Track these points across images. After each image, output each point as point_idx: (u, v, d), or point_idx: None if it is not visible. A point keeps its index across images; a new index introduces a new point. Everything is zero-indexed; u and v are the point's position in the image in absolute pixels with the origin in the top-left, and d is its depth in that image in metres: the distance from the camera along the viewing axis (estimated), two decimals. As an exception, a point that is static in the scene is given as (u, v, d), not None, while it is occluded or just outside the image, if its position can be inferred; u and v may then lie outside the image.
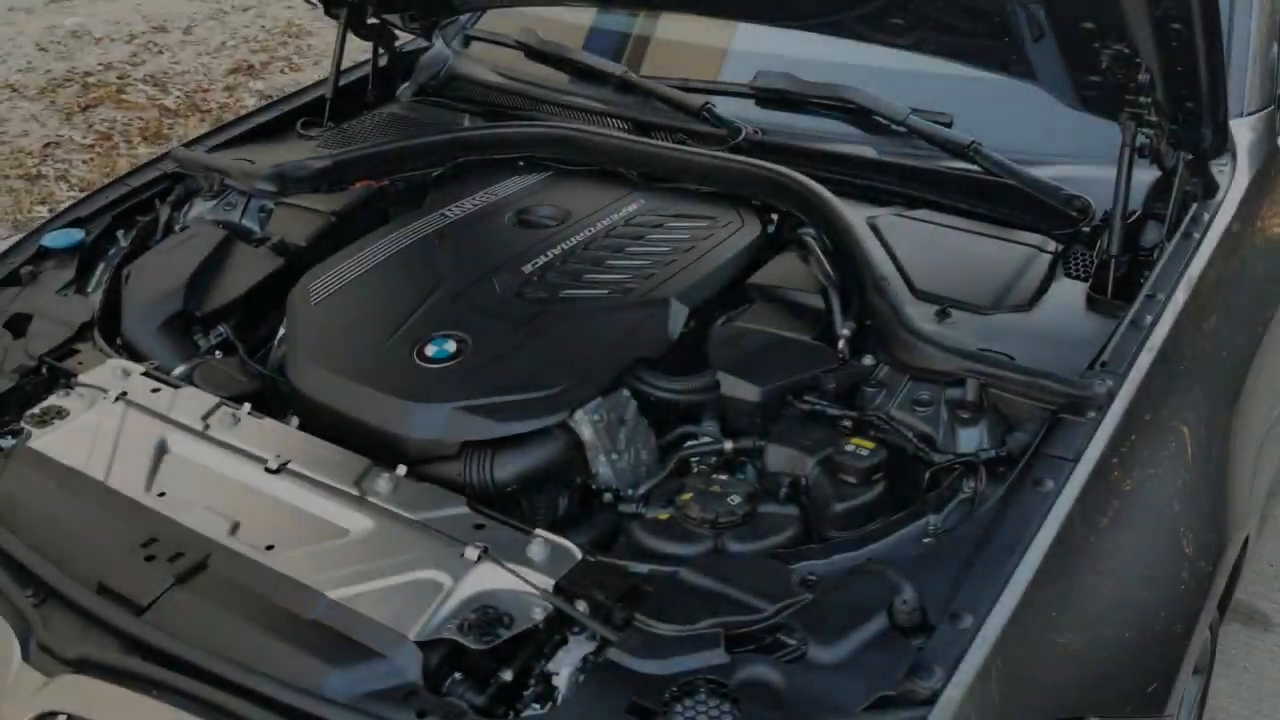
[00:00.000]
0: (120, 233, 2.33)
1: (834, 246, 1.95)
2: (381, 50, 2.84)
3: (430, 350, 1.78)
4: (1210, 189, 1.97)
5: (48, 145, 5.59)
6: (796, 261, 2.01)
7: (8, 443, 1.83)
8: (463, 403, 1.67)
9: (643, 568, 1.46)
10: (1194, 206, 1.93)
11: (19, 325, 2.06)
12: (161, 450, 1.73)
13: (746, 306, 1.94)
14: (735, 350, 1.79)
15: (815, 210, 2.05)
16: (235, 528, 1.57)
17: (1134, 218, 1.94)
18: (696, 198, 2.21)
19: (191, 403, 1.81)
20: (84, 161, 5.43)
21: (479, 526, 1.53)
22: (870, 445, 1.59)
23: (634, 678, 1.30)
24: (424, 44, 2.93)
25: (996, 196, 2.10)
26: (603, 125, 2.51)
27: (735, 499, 1.54)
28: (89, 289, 2.17)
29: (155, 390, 1.85)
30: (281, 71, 6.74)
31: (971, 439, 1.60)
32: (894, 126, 2.27)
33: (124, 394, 1.83)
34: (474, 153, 2.43)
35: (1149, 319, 1.72)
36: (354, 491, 1.60)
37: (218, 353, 2.05)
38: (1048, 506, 1.43)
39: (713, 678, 1.28)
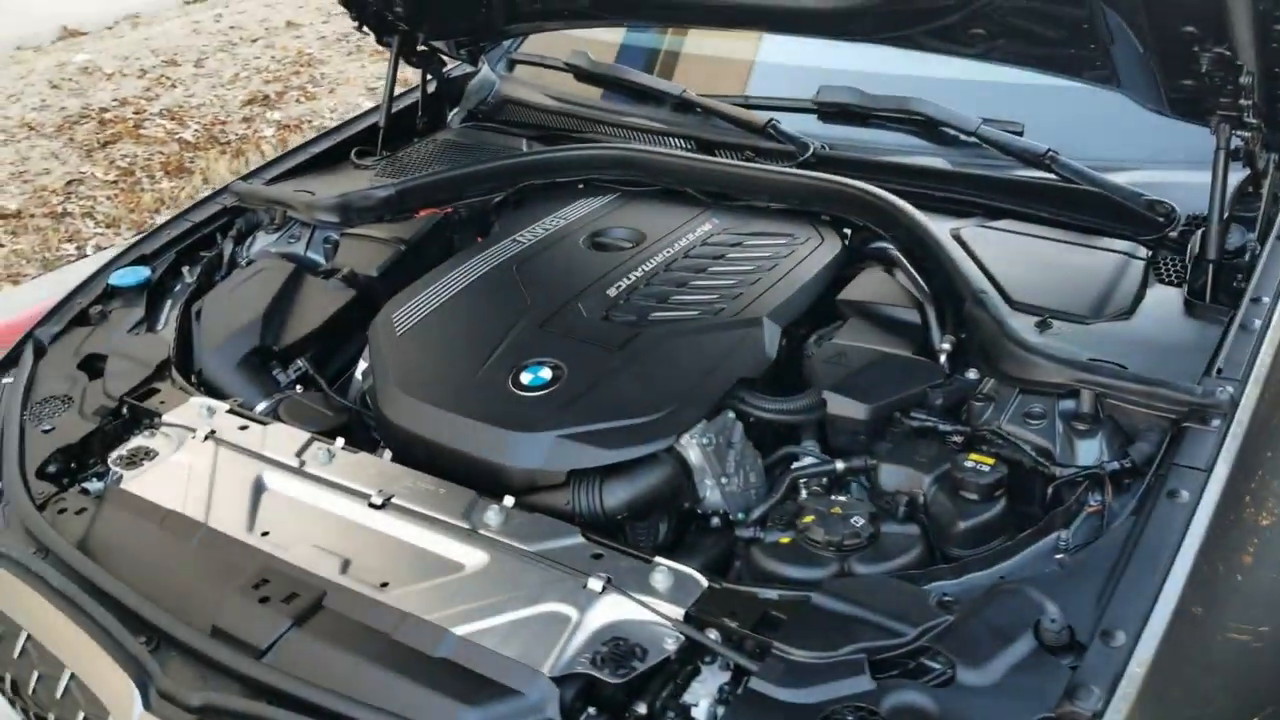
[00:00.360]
0: (185, 269, 2.31)
1: (922, 260, 1.93)
2: (430, 77, 2.82)
3: (526, 378, 1.76)
4: None
5: (70, 183, 5.59)
6: (883, 276, 1.99)
7: (95, 486, 1.80)
8: (566, 430, 1.65)
9: (771, 593, 1.43)
10: None
11: (94, 365, 2.04)
12: (259, 488, 1.71)
13: (838, 324, 1.91)
14: (839, 368, 1.77)
15: (898, 224, 2.02)
16: (346, 565, 1.54)
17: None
18: (771, 215, 2.19)
19: (283, 439, 1.78)
20: (108, 198, 5.43)
21: (597, 556, 1.50)
22: (990, 461, 1.56)
23: (779, 707, 1.27)
24: (469, 69, 2.92)
25: (1076, 204, 2.08)
26: (663, 144, 2.49)
27: (859, 520, 1.51)
28: (159, 327, 2.15)
29: (243, 427, 1.82)
30: (297, 101, 6.74)
31: (1090, 451, 1.57)
32: (965, 137, 2.25)
33: (212, 432, 1.80)
34: (538, 176, 2.41)
35: (1257, 322, 1.69)
36: (464, 525, 1.58)
37: (298, 387, 2.03)
38: (1188, 517, 1.40)
39: (861, 705, 1.25)
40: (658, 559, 1.48)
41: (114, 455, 1.80)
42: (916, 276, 1.91)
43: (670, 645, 1.37)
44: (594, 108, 2.65)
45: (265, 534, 1.62)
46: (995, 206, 2.11)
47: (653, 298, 1.94)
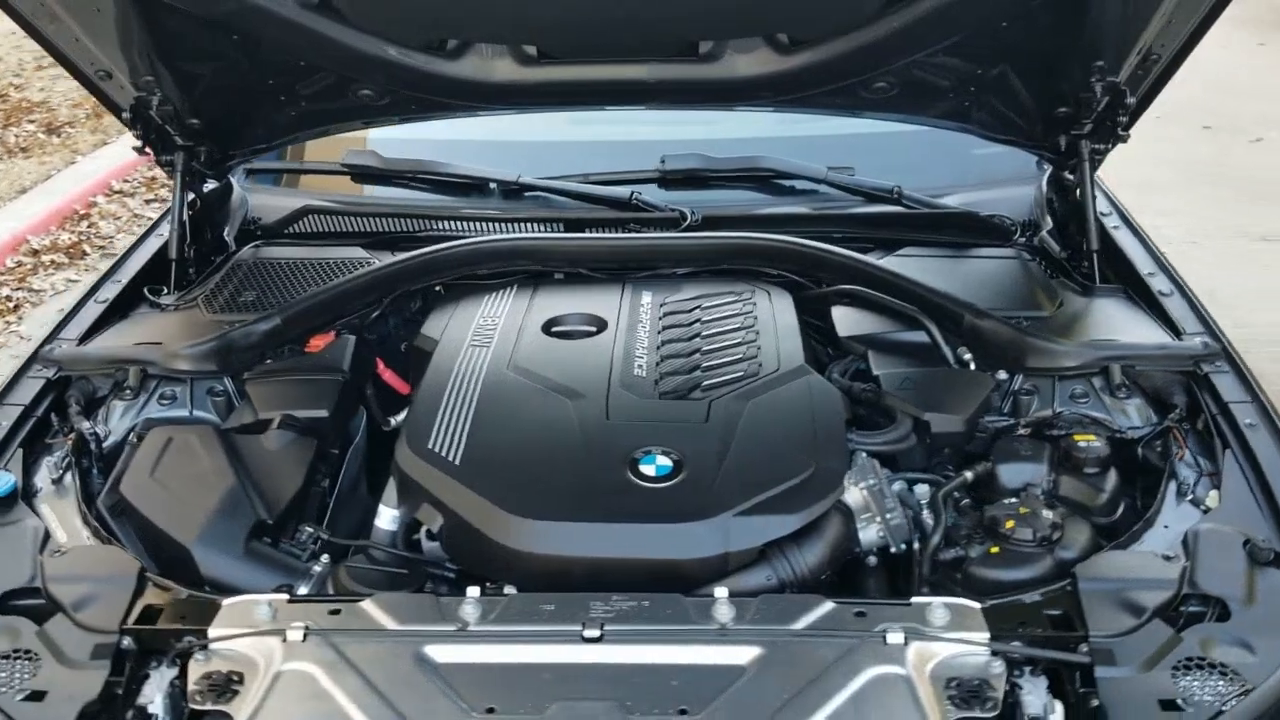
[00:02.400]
0: (48, 461, 1.80)
1: (888, 290, 2.10)
2: (193, 195, 2.45)
3: (647, 469, 1.65)
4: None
5: None
6: (856, 311, 2.13)
7: None
8: (740, 508, 1.58)
9: (1033, 595, 1.51)
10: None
11: (23, 605, 1.54)
12: (429, 666, 1.42)
13: (850, 359, 2.02)
14: (912, 393, 1.87)
15: (826, 266, 2.19)
16: (625, 708, 1.35)
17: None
18: (693, 280, 2.23)
19: (405, 607, 1.50)
20: None
21: (860, 614, 1.47)
22: (1092, 437, 1.77)
23: (1128, 683, 1.37)
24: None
25: (938, 227, 2.39)
26: (522, 230, 2.41)
27: (1047, 514, 1.64)
28: (58, 544, 1.65)
29: (334, 611, 1.50)
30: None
31: (1137, 413, 1.86)
32: (815, 185, 2.47)
33: (308, 627, 1.46)
34: (422, 279, 2.22)
35: (1168, 288, 2.10)
36: (708, 627, 1.45)
37: (323, 558, 1.70)
38: (1275, 438, 1.71)
39: (1200, 657, 1.39)
40: (916, 599, 1.49)
41: (192, 692, 1.39)
42: (894, 304, 2.07)
43: (998, 669, 1.40)
44: (422, 206, 2.49)
45: (490, 710, 1.36)
46: (890, 239, 2.34)
47: (681, 371, 1.90)
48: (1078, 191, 2.34)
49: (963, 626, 1.45)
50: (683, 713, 1.35)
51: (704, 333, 2.02)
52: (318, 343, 2.08)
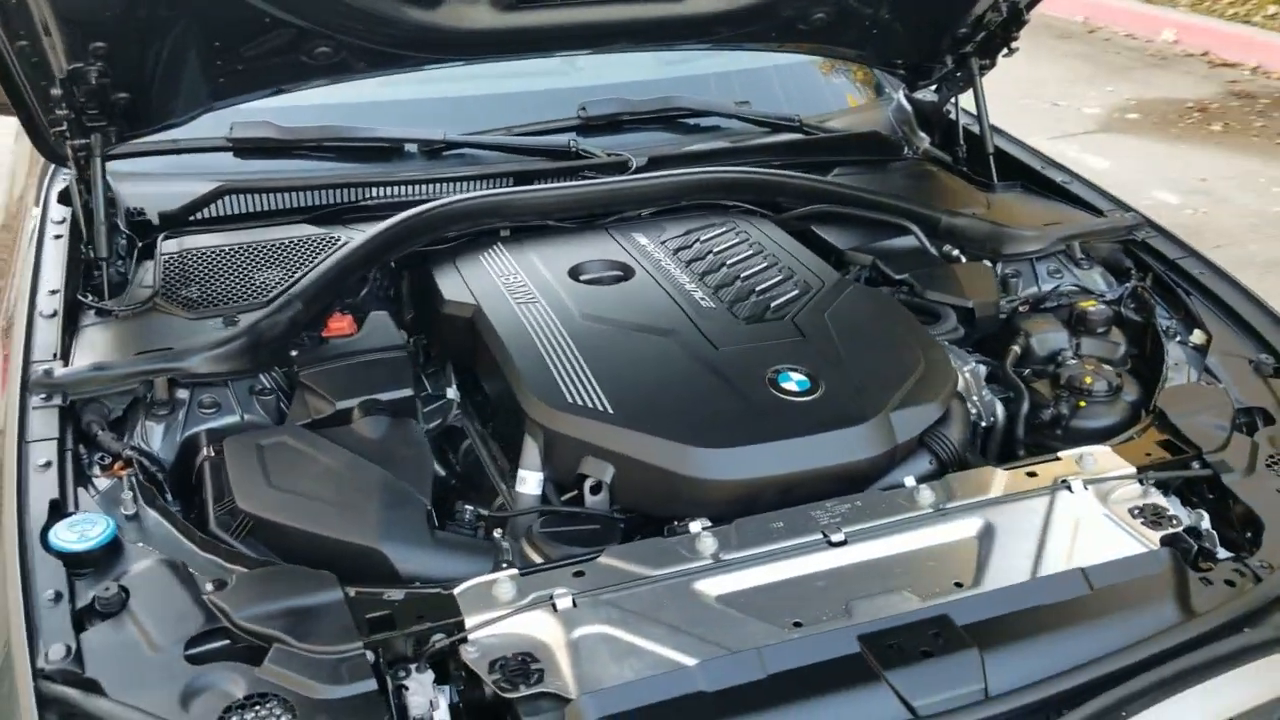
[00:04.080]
0: (107, 497, 1.54)
1: (858, 206, 2.28)
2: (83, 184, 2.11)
3: (789, 385, 1.71)
4: None
5: None
6: (834, 228, 2.28)
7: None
8: (892, 407, 1.69)
9: (1131, 434, 1.77)
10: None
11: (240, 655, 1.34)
12: (703, 602, 1.43)
13: (859, 269, 2.18)
14: (940, 288, 2.07)
15: (789, 190, 2.33)
16: (905, 593, 1.44)
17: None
18: (663, 218, 2.28)
19: (645, 554, 1.48)
20: None
21: (1032, 474, 1.65)
22: (1093, 302, 2.08)
23: None
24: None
25: (844, 149, 2.60)
26: (474, 187, 2.33)
27: (1107, 369, 1.92)
28: (214, 578, 1.42)
29: (579, 574, 1.45)
30: None
31: (1100, 279, 2.18)
32: (723, 121, 2.59)
33: (574, 593, 1.41)
34: (412, 243, 2.09)
35: (1068, 178, 2.45)
36: (927, 511, 1.57)
37: (496, 532, 1.61)
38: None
39: None
40: (1063, 453, 1.70)
41: (495, 680, 1.30)
42: (877, 216, 2.25)
43: (1157, 493, 1.64)
44: (349, 175, 2.31)
45: (797, 624, 1.40)
46: (817, 162, 2.51)
47: (743, 297, 1.95)
48: (947, 108, 2.64)
49: (1109, 467, 1.67)
50: (958, 585, 1.47)
51: (728, 262, 2.08)
52: (338, 325, 1.91)
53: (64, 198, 2.15)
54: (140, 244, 2.12)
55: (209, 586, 1.39)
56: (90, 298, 1.92)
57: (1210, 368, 1.90)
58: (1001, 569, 1.49)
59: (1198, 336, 2.01)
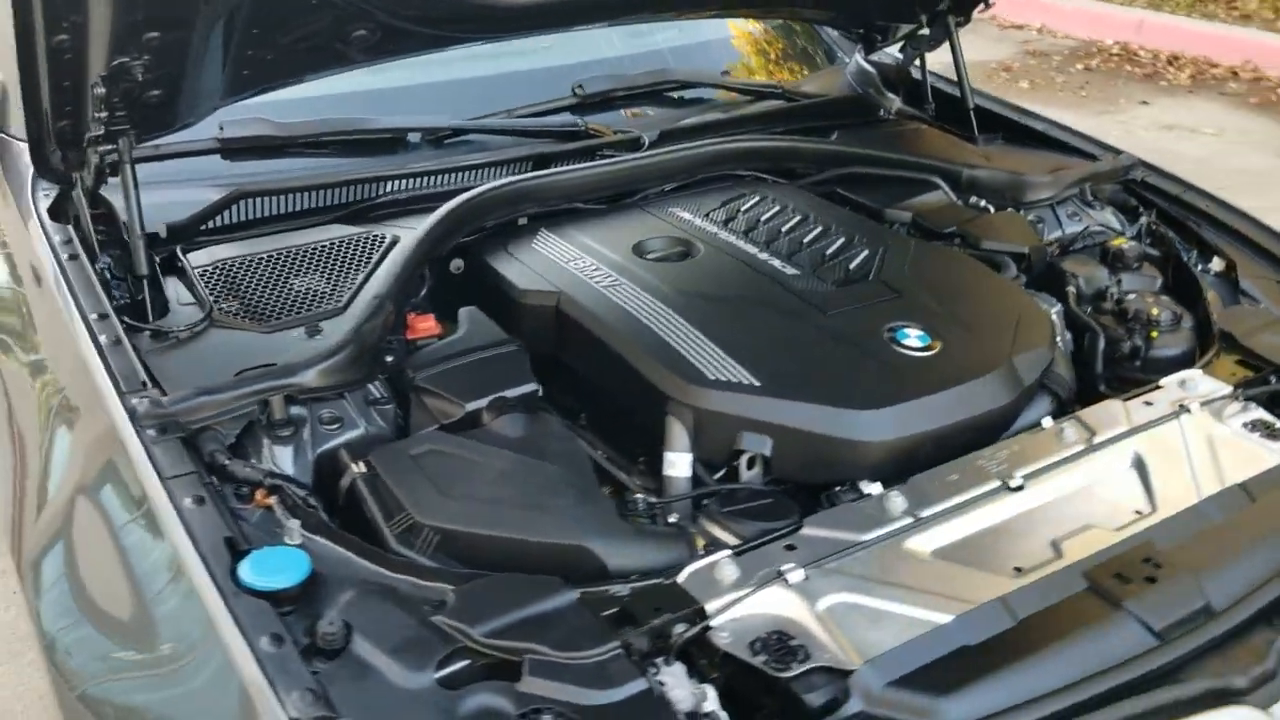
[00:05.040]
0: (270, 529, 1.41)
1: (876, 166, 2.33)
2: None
3: (910, 341, 1.74)
4: None
5: None
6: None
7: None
8: (1014, 351, 1.74)
9: (1208, 357, 1.88)
10: None
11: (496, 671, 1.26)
12: (926, 556, 1.44)
13: (899, 225, 2.21)
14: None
15: (802, 155, 2.36)
16: (1095, 528, 1.49)
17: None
18: (687, 192, 2.26)
19: (837, 523, 1.49)
20: None
21: (1149, 403, 1.74)
22: (1123, 239, 2.19)
23: None
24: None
25: (821, 115, 2.64)
26: (491, 175, 2.23)
27: (1165, 299, 2.02)
28: (429, 599, 1.33)
29: (789, 547, 1.43)
30: None
31: (1113, 218, 2.31)
32: (709, 92, 2.59)
33: (794, 567, 1.39)
34: (459, 233, 1.99)
35: (1047, 126, 2.57)
36: (1079, 447, 1.63)
37: (671, 517, 1.56)
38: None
39: None
40: (1164, 380, 1.79)
41: (763, 662, 1.27)
42: (903, 175, 2.30)
43: (1256, 408, 1.75)
44: (363, 171, 2.17)
45: (1018, 569, 1.42)
46: (809, 127, 2.54)
47: (820, 262, 1.95)
48: (914, 67, 2.73)
49: (1210, 389, 1.77)
50: (1139, 513, 1.53)
51: (782, 229, 2.07)
52: (425, 325, 1.79)
53: (56, 214, 1.93)
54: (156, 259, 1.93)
55: (425, 609, 1.30)
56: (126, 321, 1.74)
57: (1246, 290, 2.04)
58: (1169, 493, 1.56)
59: (1217, 264, 2.16)
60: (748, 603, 1.34)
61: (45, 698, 2.56)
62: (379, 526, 1.45)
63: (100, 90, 1.62)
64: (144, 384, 1.55)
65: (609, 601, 1.34)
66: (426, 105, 2.40)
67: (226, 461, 1.47)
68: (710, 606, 1.33)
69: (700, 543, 1.50)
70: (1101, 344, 1.97)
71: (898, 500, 1.50)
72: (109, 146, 1.75)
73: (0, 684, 2.65)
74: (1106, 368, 1.97)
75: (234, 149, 2.15)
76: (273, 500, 1.43)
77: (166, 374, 1.62)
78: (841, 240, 2.02)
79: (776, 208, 2.15)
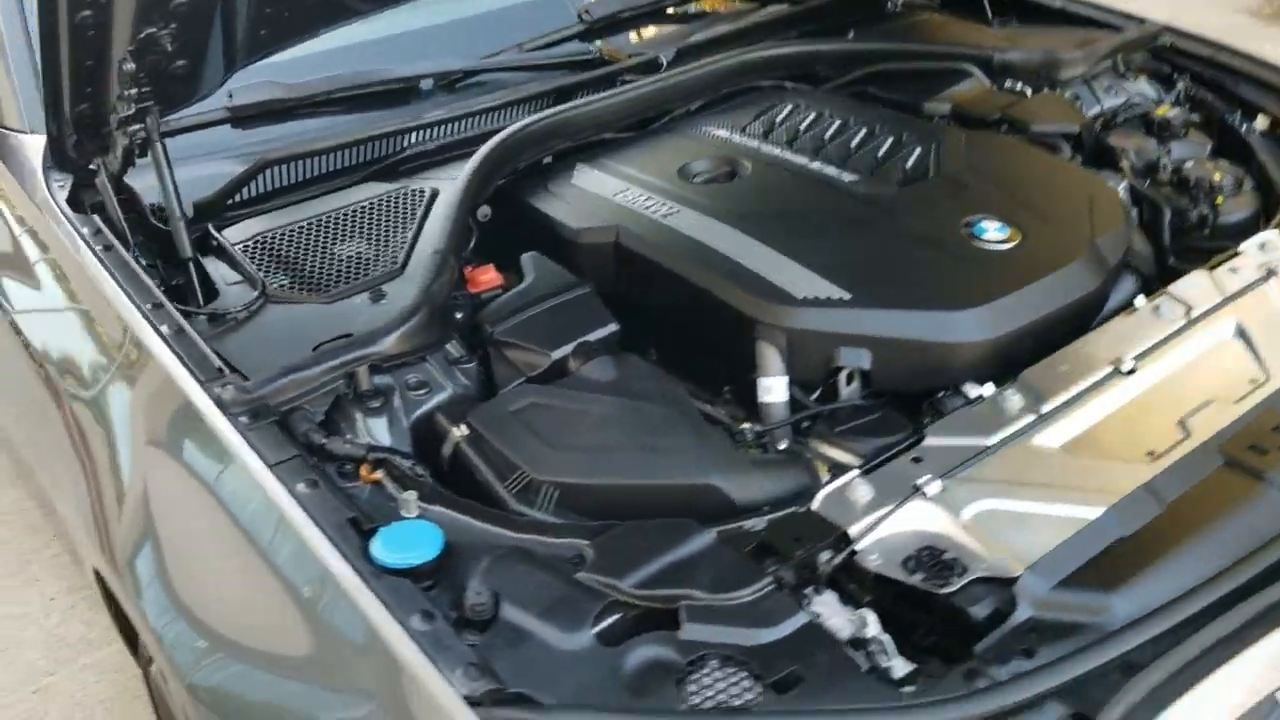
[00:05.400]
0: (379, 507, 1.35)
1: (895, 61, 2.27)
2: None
3: (991, 236, 1.69)
4: None
5: None
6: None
7: None
8: (1094, 236, 1.69)
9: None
10: None
11: None
12: (1055, 451, 1.41)
13: (939, 119, 2.15)
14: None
15: (824, 58, 2.29)
16: (1211, 402, 1.47)
17: None
18: (720, 109, 2.18)
19: (961, 426, 1.45)
20: None
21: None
22: (1166, 107, 2.14)
23: None
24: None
25: (824, 14, 2.55)
26: (518, 113, 2.14)
27: (1224, 162, 1.98)
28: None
29: (916, 460, 1.40)
30: None
31: (1148, 87, 2.26)
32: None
33: (930, 479, 1.36)
34: (498, 177, 1.92)
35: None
36: (1181, 321, 1.60)
37: (781, 444, 1.53)
38: None
39: None
40: (1243, 244, 1.76)
41: (921, 580, 1.24)
42: (935, 67, 2.24)
43: None
44: (381, 126, 2.06)
45: (1150, 454, 1.40)
46: (824, 28, 2.46)
47: (877, 165, 1.89)
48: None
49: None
50: (1254, 382, 1.51)
51: (826, 136, 2.00)
52: (487, 277, 1.72)
53: (73, 204, 1.83)
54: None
55: (567, 566, 1.25)
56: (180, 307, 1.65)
57: None
58: (1278, 359, 1.54)
59: (1262, 121, 2.12)
60: (890, 521, 1.30)
61: (107, 702, 2.51)
62: (493, 488, 1.40)
63: (129, 66, 1.52)
64: (219, 371, 1.48)
65: (745, 538, 1.31)
66: (430, 50, 2.29)
67: (324, 440, 1.40)
68: (853, 530, 1.29)
69: (822, 467, 1.46)
70: (1168, 216, 1.93)
71: (1014, 399, 1.46)
72: (137, 126, 1.65)
73: (57, 691, 2.59)
74: (1174, 240, 1.93)
75: (250, 115, 2.04)
76: (380, 474, 1.38)
77: (233, 357, 1.55)
78: (891, 140, 1.96)
79: (813, 114, 2.08)
